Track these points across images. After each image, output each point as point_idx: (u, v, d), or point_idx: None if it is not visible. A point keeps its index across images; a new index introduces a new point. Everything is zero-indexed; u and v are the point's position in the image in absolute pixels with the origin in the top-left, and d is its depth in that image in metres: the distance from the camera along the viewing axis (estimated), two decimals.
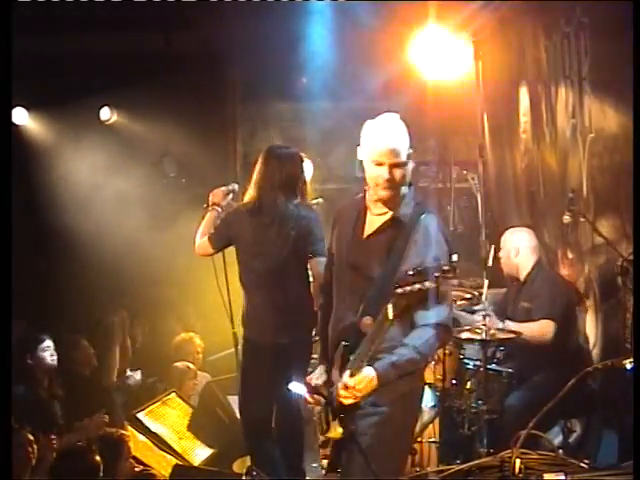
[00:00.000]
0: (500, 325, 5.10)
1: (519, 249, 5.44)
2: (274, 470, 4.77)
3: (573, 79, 5.42)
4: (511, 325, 5.15)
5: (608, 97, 4.87)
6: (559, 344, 5.19)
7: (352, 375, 3.21)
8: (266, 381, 4.74)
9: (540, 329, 5.15)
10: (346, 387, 3.21)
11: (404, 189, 3.44)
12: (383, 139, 3.39)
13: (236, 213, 4.81)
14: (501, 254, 5.51)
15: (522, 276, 5.45)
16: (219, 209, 4.97)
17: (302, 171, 4.84)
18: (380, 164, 3.37)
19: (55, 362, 5.88)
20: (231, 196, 5.11)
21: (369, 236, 3.47)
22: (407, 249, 3.32)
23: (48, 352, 5.84)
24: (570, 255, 5.78)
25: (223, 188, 5.07)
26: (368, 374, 3.23)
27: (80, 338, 6.51)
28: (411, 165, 3.44)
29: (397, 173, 3.38)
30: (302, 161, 4.86)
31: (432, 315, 3.24)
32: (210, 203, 5.00)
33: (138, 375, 6.89)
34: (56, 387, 5.90)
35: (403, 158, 3.38)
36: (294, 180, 4.75)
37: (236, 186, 5.16)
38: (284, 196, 4.68)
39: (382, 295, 3.25)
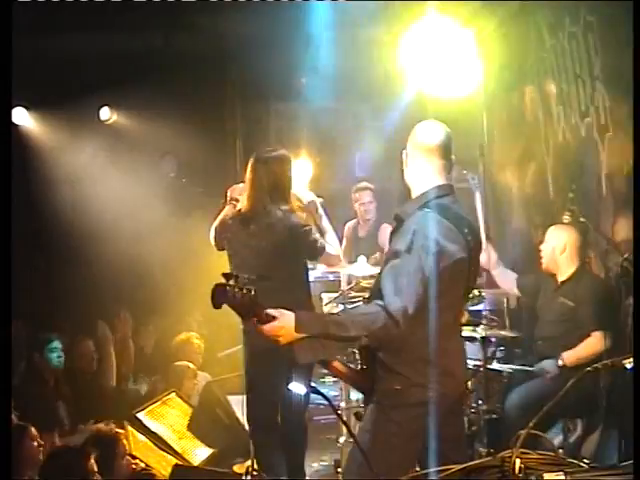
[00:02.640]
0: (559, 363, 5.06)
1: (566, 246, 5.32)
2: (277, 471, 4.78)
3: (584, 79, 5.40)
4: (568, 356, 5.09)
5: (622, 95, 4.86)
6: None
7: None
8: (270, 383, 4.73)
9: (594, 345, 5.05)
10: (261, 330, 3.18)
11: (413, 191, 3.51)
12: None
13: (229, 221, 4.83)
14: (543, 247, 5.41)
15: (563, 274, 5.33)
16: (236, 203, 4.98)
17: (289, 172, 4.84)
18: None
19: (62, 363, 5.91)
20: None
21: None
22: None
23: (56, 353, 5.87)
24: (592, 254, 5.73)
25: (242, 184, 5.04)
26: (284, 313, 3.17)
27: (82, 339, 6.52)
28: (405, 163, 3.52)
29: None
30: (290, 162, 4.87)
31: (387, 297, 3.16)
32: (229, 198, 5.00)
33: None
34: (62, 387, 5.92)
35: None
36: (282, 183, 4.76)
37: None
38: (272, 203, 4.69)
39: (378, 290, 3.35)
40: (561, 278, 5.34)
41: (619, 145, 5.08)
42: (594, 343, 5.06)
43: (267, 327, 3.16)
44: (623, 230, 5.10)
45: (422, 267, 3.19)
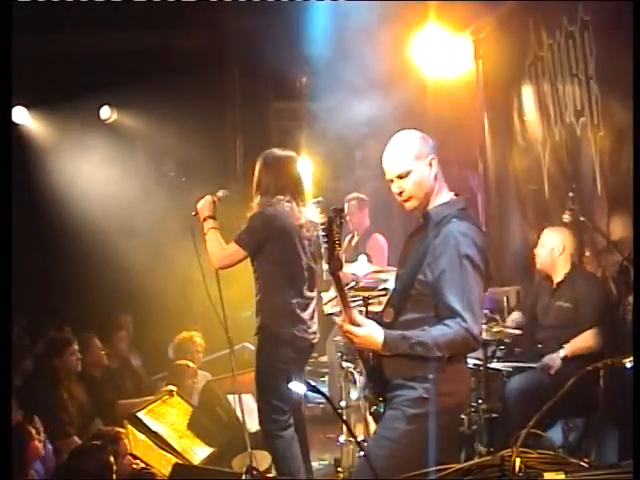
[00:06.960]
0: (561, 354, 5.07)
1: (564, 247, 5.30)
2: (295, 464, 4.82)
3: (580, 78, 5.41)
4: (568, 347, 5.10)
5: (616, 95, 4.87)
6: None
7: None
8: (290, 373, 4.74)
9: (590, 338, 5.07)
10: (348, 331, 3.27)
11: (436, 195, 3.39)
12: (384, 159, 3.43)
13: (277, 215, 4.80)
14: (540, 251, 5.38)
15: (559, 275, 5.33)
16: (213, 220, 4.82)
17: (298, 173, 4.95)
18: (390, 181, 3.41)
19: (79, 366, 5.93)
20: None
21: (409, 235, 3.54)
22: (424, 252, 3.30)
23: (74, 356, 5.88)
24: (587, 253, 5.73)
25: (208, 197, 4.85)
26: (373, 325, 3.27)
27: (91, 337, 6.52)
28: (427, 171, 3.34)
29: (404, 184, 3.35)
30: (296, 163, 4.96)
31: (462, 315, 3.15)
32: (202, 217, 4.81)
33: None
34: (74, 388, 5.93)
35: (403, 169, 3.33)
36: (293, 183, 4.86)
37: (224, 192, 4.98)
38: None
39: (402, 291, 3.39)
40: (557, 279, 5.35)
41: (611, 145, 5.08)
42: (591, 335, 5.07)
43: (351, 328, 3.25)
44: (619, 229, 5.09)
45: (478, 280, 3.23)
